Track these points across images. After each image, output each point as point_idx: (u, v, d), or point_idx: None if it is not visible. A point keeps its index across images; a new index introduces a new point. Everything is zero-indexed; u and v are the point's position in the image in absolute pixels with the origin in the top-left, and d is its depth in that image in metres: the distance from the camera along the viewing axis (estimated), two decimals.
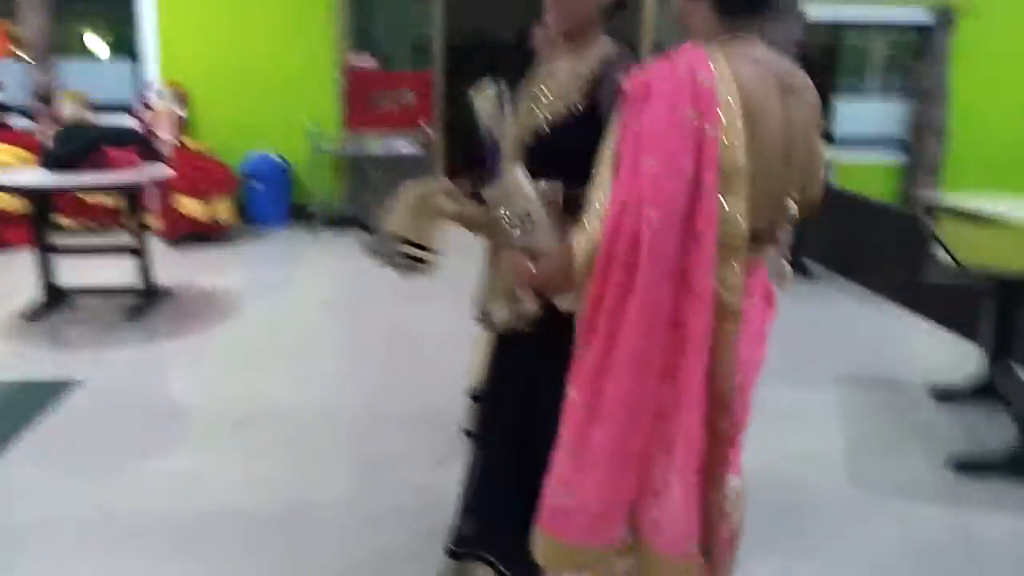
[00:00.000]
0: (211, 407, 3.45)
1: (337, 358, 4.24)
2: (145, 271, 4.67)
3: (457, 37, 7.70)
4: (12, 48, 6.81)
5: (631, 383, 1.31)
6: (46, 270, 4.51)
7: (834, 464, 3.02)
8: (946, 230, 3.61)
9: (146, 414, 3.36)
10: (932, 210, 5.47)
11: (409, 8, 7.39)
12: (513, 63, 2.78)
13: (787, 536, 2.53)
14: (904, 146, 7.54)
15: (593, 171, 1.54)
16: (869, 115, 7.68)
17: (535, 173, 1.84)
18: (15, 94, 6.64)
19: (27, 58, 6.59)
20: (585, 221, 1.37)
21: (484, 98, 2.82)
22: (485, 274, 2.02)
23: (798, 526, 2.61)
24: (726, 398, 1.39)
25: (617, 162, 1.33)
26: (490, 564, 2.04)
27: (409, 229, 1.91)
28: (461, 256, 2.40)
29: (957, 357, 4.09)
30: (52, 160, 4.53)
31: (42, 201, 4.56)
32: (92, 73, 7.19)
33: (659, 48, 6.83)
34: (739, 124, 1.30)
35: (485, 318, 1.98)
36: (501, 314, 1.87)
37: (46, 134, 5.82)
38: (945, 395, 3.56)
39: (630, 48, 1.85)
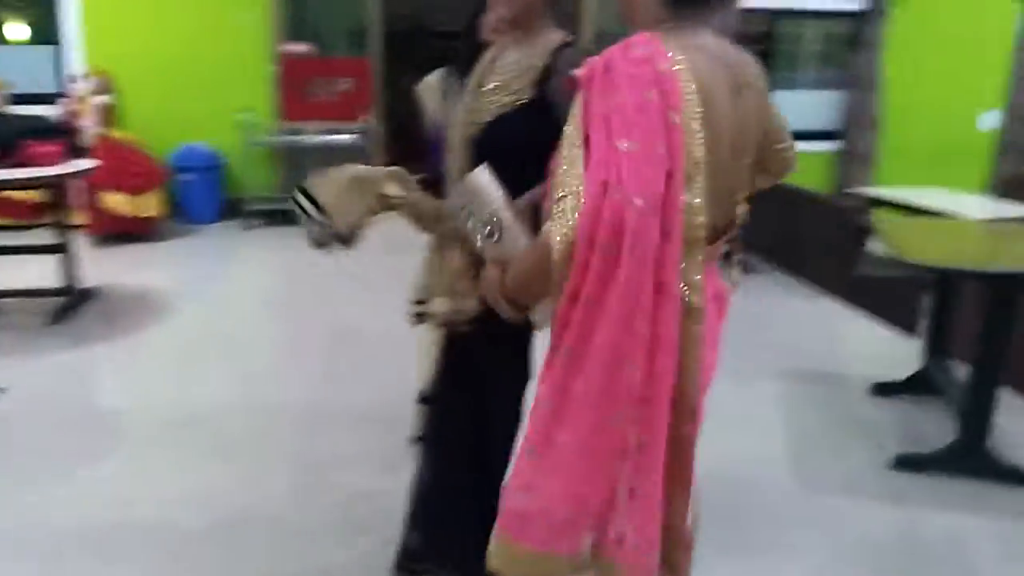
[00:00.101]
0: (143, 413, 3.30)
1: (276, 358, 4.10)
2: (70, 271, 4.47)
3: (395, 23, 7.56)
4: None
5: (603, 379, 1.22)
6: None
7: (777, 462, 3.02)
8: (883, 223, 3.65)
9: (74, 422, 3.20)
10: (868, 202, 5.58)
11: None
12: (458, 52, 2.70)
13: (731, 537, 2.51)
14: (839, 137, 7.67)
15: (543, 163, 1.49)
16: (804, 105, 7.75)
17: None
18: None
19: None
20: (557, 211, 1.25)
21: (429, 88, 2.74)
22: (426, 268, 1.91)
23: (742, 526, 2.59)
24: (692, 402, 1.35)
25: (587, 144, 1.24)
26: None
27: (336, 205, 1.78)
28: (406, 251, 2.26)
29: (898, 350, 4.17)
30: None
31: None
32: (10, 60, 6.83)
33: (600, 38, 6.80)
34: (698, 115, 1.25)
35: (420, 312, 1.89)
36: (440, 308, 1.81)
37: None
38: (884, 390, 3.60)
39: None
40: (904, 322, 4.49)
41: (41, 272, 4.50)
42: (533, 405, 1.30)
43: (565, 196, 1.24)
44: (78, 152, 4.84)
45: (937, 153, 7.57)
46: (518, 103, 1.71)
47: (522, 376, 1.85)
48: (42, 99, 6.43)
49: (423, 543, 2.02)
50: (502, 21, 1.76)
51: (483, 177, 1.40)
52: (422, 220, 1.83)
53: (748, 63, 1.42)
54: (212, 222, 6.73)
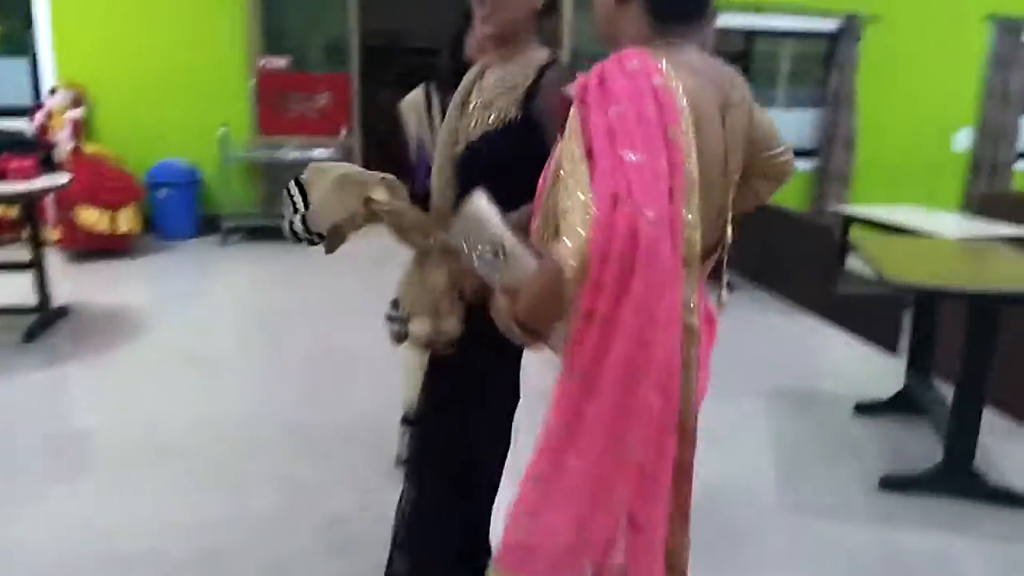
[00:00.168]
0: (117, 435, 3.22)
1: (255, 378, 4.03)
2: (43, 288, 4.38)
3: (374, 38, 7.55)
4: None
5: (618, 399, 1.17)
6: None
7: (763, 483, 3.01)
8: (863, 242, 3.67)
9: (46, 444, 3.12)
10: (845, 220, 5.63)
11: (323, 7, 7.18)
12: (440, 69, 2.68)
13: (717, 559, 2.48)
14: (815, 155, 7.74)
15: (529, 183, 1.46)
16: (780, 124, 7.73)
17: (464, 186, 1.76)
18: None
19: None
20: (564, 227, 1.20)
21: (411, 105, 2.71)
22: (406, 282, 1.85)
23: (729, 548, 2.57)
24: (689, 426, 1.33)
25: (590, 157, 1.20)
26: None
27: (322, 202, 1.72)
28: (388, 267, 2.20)
29: (879, 368, 4.18)
30: None
31: None
32: None
33: (575, 57, 6.82)
34: (692, 133, 1.24)
35: (400, 331, 1.85)
36: (420, 330, 1.76)
37: None
38: (868, 409, 3.61)
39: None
40: (885, 340, 4.51)
41: (14, 289, 4.40)
42: (543, 431, 1.25)
43: (572, 212, 1.18)
44: (52, 167, 4.76)
45: (910, 171, 7.67)
46: (503, 122, 1.69)
47: (510, 397, 1.81)
48: (15, 112, 6.32)
49: (409, 567, 1.98)
50: (488, 39, 1.74)
51: (480, 204, 1.35)
52: (406, 232, 1.77)
53: (734, 78, 1.42)
54: (189, 238, 6.63)
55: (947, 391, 3.41)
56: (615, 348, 1.14)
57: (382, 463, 2.89)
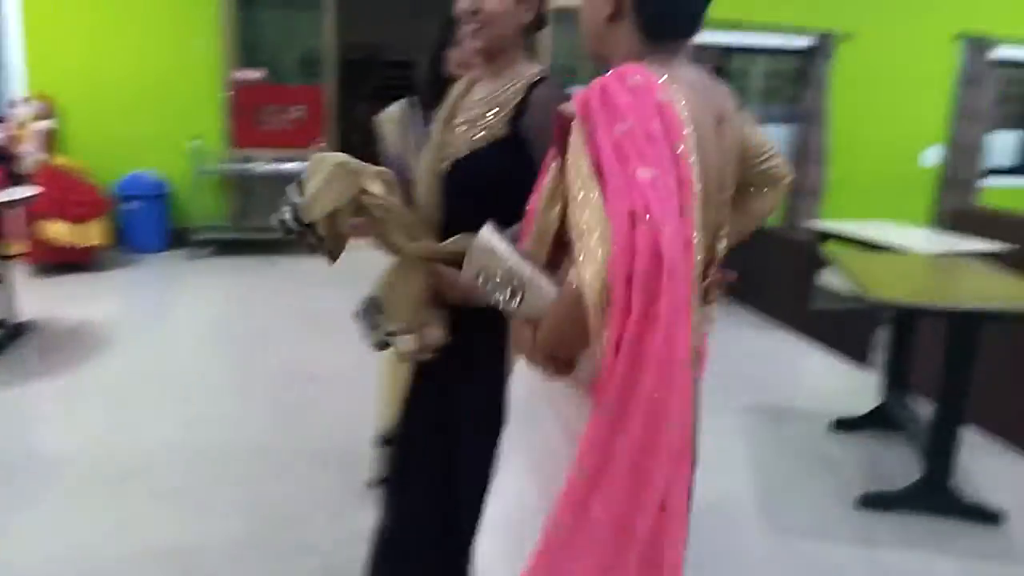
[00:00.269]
0: (83, 456, 3.12)
1: (223, 397, 3.93)
2: (8, 303, 4.29)
3: (350, 51, 7.51)
4: None
5: (645, 437, 1.10)
6: None
7: (743, 501, 2.98)
8: (839, 258, 3.68)
9: (7, 466, 3.01)
10: (819, 235, 5.66)
11: (300, 20, 7.13)
12: (419, 83, 2.64)
13: None
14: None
15: (517, 202, 1.42)
16: None
17: (451, 202, 1.71)
18: None
19: None
20: (581, 250, 1.13)
21: (389, 120, 2.67)
22: (389, 291, 1.74)
23: (709, 567, 2.53)
24: (695, 455, 1.30)
25: (600, 175, 1.14)
26: None
27: (317, 192, 1.60)
28: (360, 287, 2.01)
29: (855, 383, 4.19)
30: None
31: None
32: None
33: (554, 72, 6.82)
34: (694, 148, 1.20)
35: (381, 340, 1.74)
36: (406, 347, 1.70)
37: None
38: (845, 425, 3.60)
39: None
40: (857, 355, 4.52)
41: None
42: (569, 475, 1.17)
43: (588, 232, 1.12)
44: (18, 179, 4.66)
45: (881, 187, 7.74)
46: (492, 138, 1.65)
47: (495, 419, 1.75)
48: None
49: None
50: (476, 53, 1.71)
51: (492, 236, 1.29)
52: (392, 232, 1.67)
53: (725, 93, 1.40)
54: (158, 252, 6.53)
55: (924, 407, 3.41)
56: (645, 379, 1.08)
57: (355, 486, 2.83)
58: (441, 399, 1.79)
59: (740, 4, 6.77)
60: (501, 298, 1.28)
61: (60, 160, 6.14)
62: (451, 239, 1.66)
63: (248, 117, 6.74)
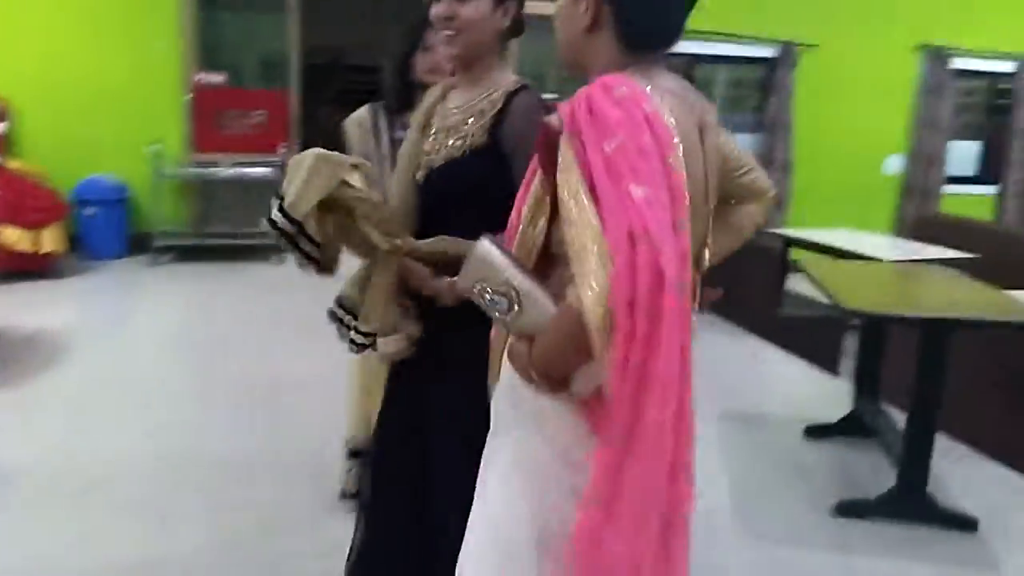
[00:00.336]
0: (41, 467, 3.02)
1: (186, 407, 3.80)
2: None
3: (313, 55, 7.42)
4: None
5: (652, 467, 1.08)
6: None
7: (718, 510, 2.95)
8: (808, 264, 3.69)
9: None
10: (785, 242, 5.70)
11: (262, 23, 7.03)
12: (385, 88, 2.59)
13: None
14: None
15: (496, 212, 1.38)
16: None
17: (427, 211, 1.67)
18: None
19: None
20: (581, 269, 1.09)
21: (356, 124, 2.61)
22: (362, 290, 1.72)
23: None
24: (691, 472, 1.26)
25: (593, 191, 1.11)
26: None
27: (298, 187, 1.54)
28: (328, 295, 1.93)
29: (826, 390, 4.20)
30: None
31: None
32: None
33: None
34: (682, 159, 1.17)
35: (360, 342, 1.72)
36: (386, 348, 1.67)
37: None
38: (818, 432, 3.61)
39: None
40: (826, 362, 4.55)
41: None
42: (581, 503, 1.14)
43: (586, 252, 1.08)
44: None
45: (844, 195, 7.82)
46: (470, 148, 1.60)
47: (470, 414, 1.67)
48: None
49: None
50: (452, 60, 1.66)
51: (489, 248, 1.25)
52: (368, 232, 1.61)
53: (704, 102, 1.37)
54: (117, 258, 6.37)
55: (895, 414, 3.43)
56: (651, 405, 1.05)
57: (324, 496, 2.76)
58: (414, 402, 1.75)
59: (705, 14, 6.79)
60: (498, 310, 1.24)
61: (15, 164, 5.95)
62: (429, 239, 1.64)
63: (209, 121, 6.62)
